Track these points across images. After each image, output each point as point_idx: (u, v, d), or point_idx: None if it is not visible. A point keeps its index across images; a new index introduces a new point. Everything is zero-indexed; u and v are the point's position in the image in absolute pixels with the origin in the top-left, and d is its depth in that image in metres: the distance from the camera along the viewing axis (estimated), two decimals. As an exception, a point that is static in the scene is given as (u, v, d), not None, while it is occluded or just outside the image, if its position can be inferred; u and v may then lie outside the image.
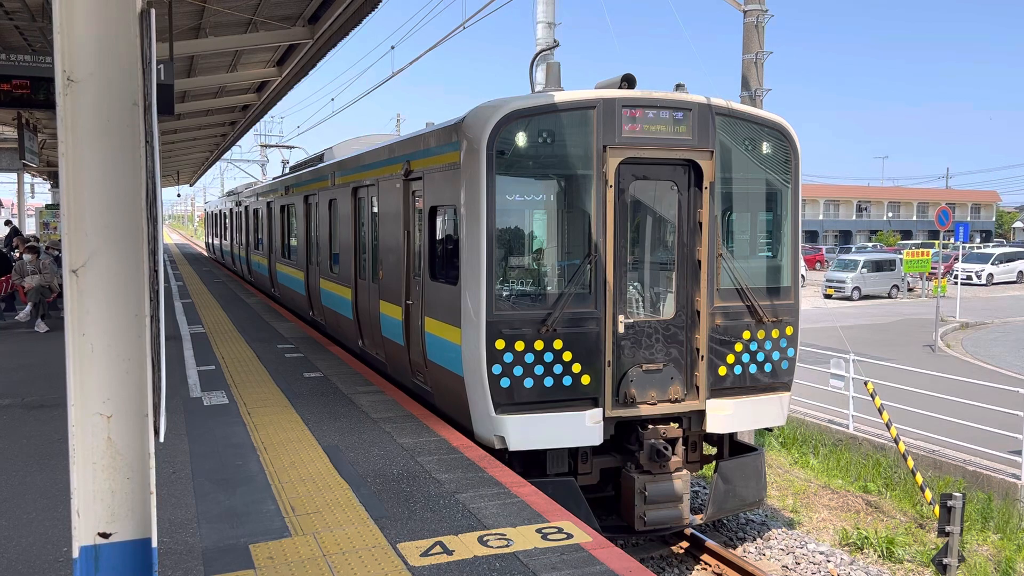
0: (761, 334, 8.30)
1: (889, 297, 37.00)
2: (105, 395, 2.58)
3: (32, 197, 53.85)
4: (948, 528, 8.51)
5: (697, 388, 8.13)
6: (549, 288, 7.64)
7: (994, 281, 44.65)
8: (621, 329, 7.79)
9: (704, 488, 11.11)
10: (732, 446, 8.90)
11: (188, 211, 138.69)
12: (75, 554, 2.60)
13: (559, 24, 14.29)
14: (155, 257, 2.62)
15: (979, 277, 44.04)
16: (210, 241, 40.37)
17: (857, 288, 36.17)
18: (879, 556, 9.54)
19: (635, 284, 8.11)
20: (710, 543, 8.93)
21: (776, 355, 8.40)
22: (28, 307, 14.92)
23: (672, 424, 8.15)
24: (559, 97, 7.55)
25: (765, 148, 8.36)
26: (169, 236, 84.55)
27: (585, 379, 7.59)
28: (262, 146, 46.15)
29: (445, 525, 5.39)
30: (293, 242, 16.79)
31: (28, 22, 11.83)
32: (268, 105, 20.49)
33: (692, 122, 7.92)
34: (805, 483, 11.87)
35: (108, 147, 2.55)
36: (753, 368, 8.29)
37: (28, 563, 4.80)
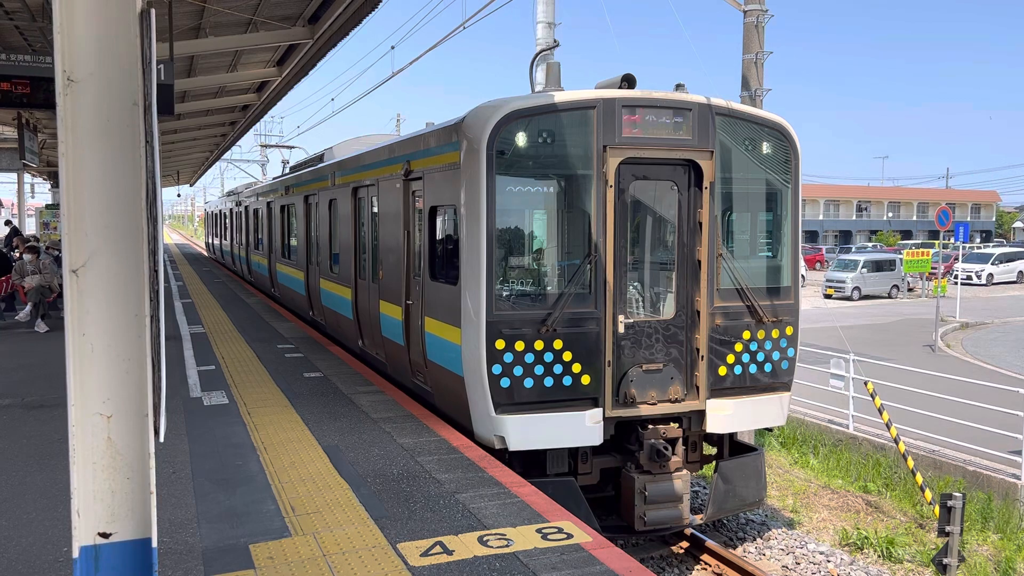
0: (761, 334, 8.30)
1: (889, 297, 37.00)
2: (105, 395, 2.58)
3: (32, 197, 53.89)
4: (948, 528, 8.51)
5: (697, 388, 8.13)
6: (549, 288, 7.64)
7: (994, 281, 44.65)
8: (621, 329, 7.79)
9: (704, 488, 11.11)
10: (732, 446, 8.90)
11: (188, 211, 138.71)
12: (75, 554, 2.60)
13: (559, 24, 14.29)
14: (155, 257, 2.62)
15: (979, 277, 44.04)
16: (210, 241, 40.37)
17: (857, 288, 36.18)
18: (879, 556, 9.54)
19: (635, 284, 8.11)
20: (710, 543, 8.93)
21: (776, 355, 8.40)
22: (28, 307, 14.92)
23: (672, 424, 8.15)
24: (559, 97, 7.55)
25: (765, 148, 8.36)
26: (169, 236, 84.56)
27: (585, 379, 7.59)
28: (262, 146, 46.16)
29: (445, 525, 5.39)
30: (293, 242, 16.80)
31: (28, 22, 11.83)
32: (268, 105, 20.49)
33: (692, 122, 7.92)
34: (805, 483, 11.87)
35: (108, 147, 2.55)
36: (753, 368, 8.29)
37: (28, 563, 4.80)
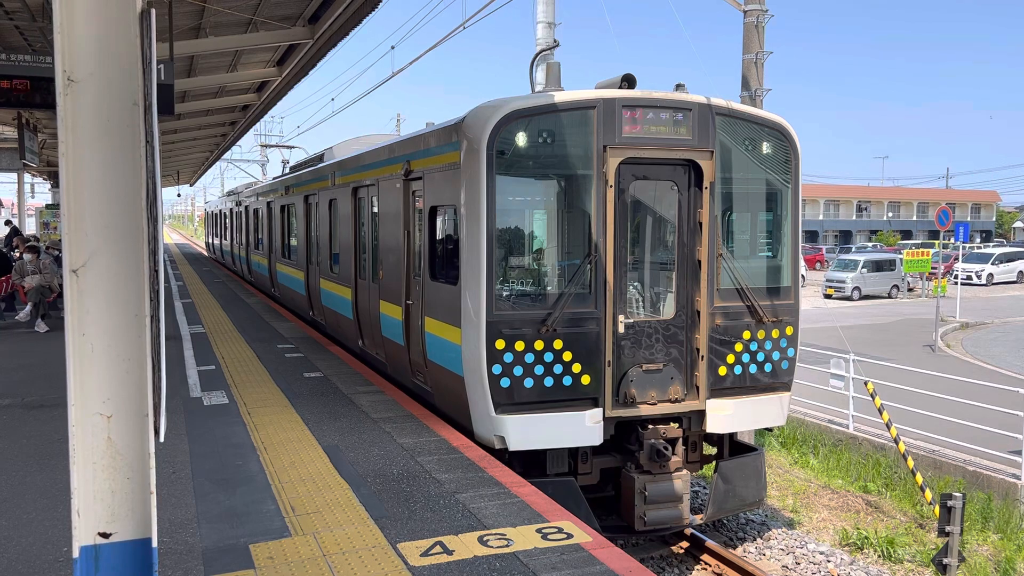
0: (761, 334, 8.30)
1: (889, 297, 37.00)
2: (105, 395, 2.58)
3: (32, 197, 53.90)
4: (948, 528, 8.51)
5: (697, 388, 8.13)
6: (549, 288, 7.64)
7: (994, 281, 44.65)
8: (621, 329, 7.79)
9: (704, 488, 11.11)
10: (732, 446, 8.90)
11: (188, 211, 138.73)
12: (75, 554, 2.60)
13: (559, 24, 14.29)
14: (155, 257, 2.62)
15: (979, 277, 44.04)
16: (210, 241, 40.37)
17: (857, 288, 36.18)
18: (879, 556, 9.54)
19: (635, 284, 8.11)
20: (710, 543, 8.93)
21: (776, 355, 8.40)
22: (28, 307, 14.92)
23: (672, 424, 8.15)
24: (559, 97, 7.55)
25: (765, 148, 8.36)
26: (169, 236, 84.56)
27: (585, 379, 7.59)
28: (262, 146, 46.14)
29: (445, 525, 5.39)
30: (293, 242, 16.80)
31: (28, 22, 11.84)
32: (268, 105, 20.50)
33: (692, 122, 7.92)
34: (805, 483, 11.87)
35: (108, 147, 2.55)
36: (753, 368, 8.29)
37: (28, 563, 4.80)
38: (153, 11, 2.60)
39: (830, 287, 36.91)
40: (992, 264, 45.22)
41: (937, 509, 8.98)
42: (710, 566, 8.73)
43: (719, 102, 8.10)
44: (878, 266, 37.26)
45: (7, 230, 28.58)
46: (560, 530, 5.32)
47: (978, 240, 77.55)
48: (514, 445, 7.43)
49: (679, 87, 8.21)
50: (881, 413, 11.48)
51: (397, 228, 9.53)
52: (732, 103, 8.26)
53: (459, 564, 4.79)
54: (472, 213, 7.45)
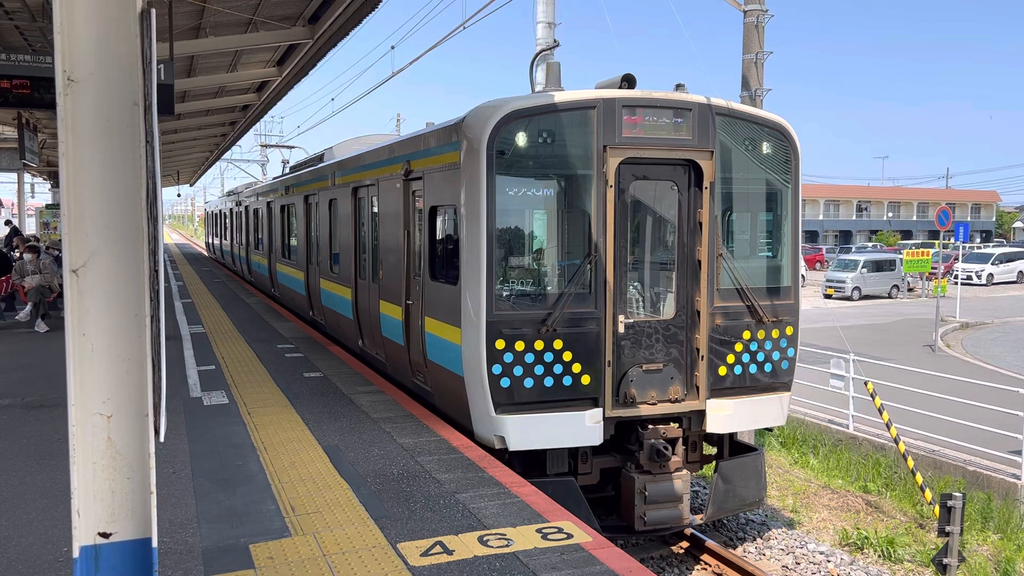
0: (761, 334, 8.30)
1: (889, 297, 37.00)
2: (105, 395, 2.58)
3: (32, 197, 53.90)
4: (948, 528, 8.51)
5: (697, 388, 8.13)
6: (549, 288, 7.64)
7: (994, 281, 44.66)
8: (621, 329, 7.79)
9: (704, 488, 11.11)
10: (732, 446, 8.89)
11: (188, 211, 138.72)
12: (75, 554, 2.60)
13: (559, 24, 14.29)
14: (155, 257, 2.62)
15: (979, 277, 44.05)
16: (210, 241, 40.38)
17: (857, 288, 36.18)
18: (879, 556, 9.54)
19: (635, 284, 8.11)
20: (710, 543, 8.93)
21: (776, 355, 8.40)
22: (28, 307, 14.93)
23: (672, 424, 8.15)
24: (559, 97, 7.55)
25: (765, 148, 8.36)
26: (169, 236, 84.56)
27: (585, 379, 7.59)
28: (262, 146, 46.14)
29: (445, 525, 5.39)
30: (293, 242, 16.80)
31: (28, 22, 11.84)
32: (268, 105, 20.50)
33: (692, 122, 7.92)
34: (805, 483, 11.87)
35: (108, 147, 2.55)
36: (753, 368, 8.29)
37: (28, 563, 4.81)
38: (153, 11, 2.60)
39: (830, 287, 36.91)
40: (992, 264, 45.23)
41: (937, 509, 8.98)
42: (710, 566, 8.73)
43: (719, 102, 8.10)
44: (878, 266, 37.26)
45: (7, 230, 28.58)
46: (560, 530, 5.32)
47: (978, 240, 77.56)
48: (514, 445, 7.43)
49: (679, 87, 8.21)
50: (881, 413, 11.48)
51: (397, 228, 9.53)
52: (732, 103, 8.26)
53: (459, 564, 4.79)
54: (472, 213, 7.45)
